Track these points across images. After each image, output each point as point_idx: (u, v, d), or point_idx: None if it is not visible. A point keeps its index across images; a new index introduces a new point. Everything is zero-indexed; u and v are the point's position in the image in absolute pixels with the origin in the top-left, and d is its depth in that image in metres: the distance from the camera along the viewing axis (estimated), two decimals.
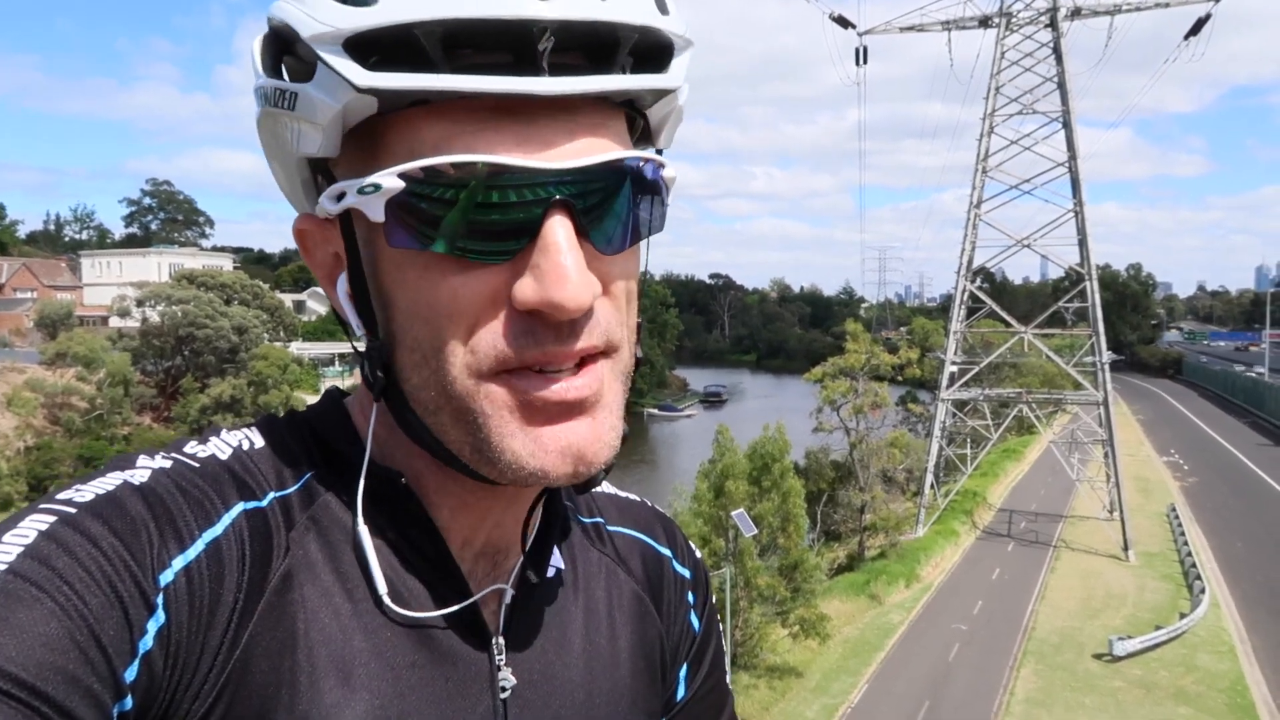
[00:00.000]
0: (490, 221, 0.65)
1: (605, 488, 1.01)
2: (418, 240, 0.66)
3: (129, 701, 0.61)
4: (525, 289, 0.65)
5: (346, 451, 0.77)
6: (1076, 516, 41.40)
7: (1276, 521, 39.34)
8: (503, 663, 0.79)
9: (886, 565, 33.67)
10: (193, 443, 0.76)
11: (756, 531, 24.31)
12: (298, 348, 54.47)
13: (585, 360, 0.70)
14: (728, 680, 1.08)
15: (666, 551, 1.01)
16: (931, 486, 39.70)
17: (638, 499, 1.04)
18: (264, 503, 0.73)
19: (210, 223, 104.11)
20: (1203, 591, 29.97)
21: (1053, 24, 39.69)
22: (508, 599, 0.82)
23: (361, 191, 0.66)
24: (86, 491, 0.66)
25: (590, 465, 0.69)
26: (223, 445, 0.76)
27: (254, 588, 0.69)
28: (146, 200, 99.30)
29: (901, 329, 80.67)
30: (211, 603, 0.66)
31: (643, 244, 0.77)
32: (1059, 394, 44.24)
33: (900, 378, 44.68)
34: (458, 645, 0.77)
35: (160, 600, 0.63)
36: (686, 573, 1.02)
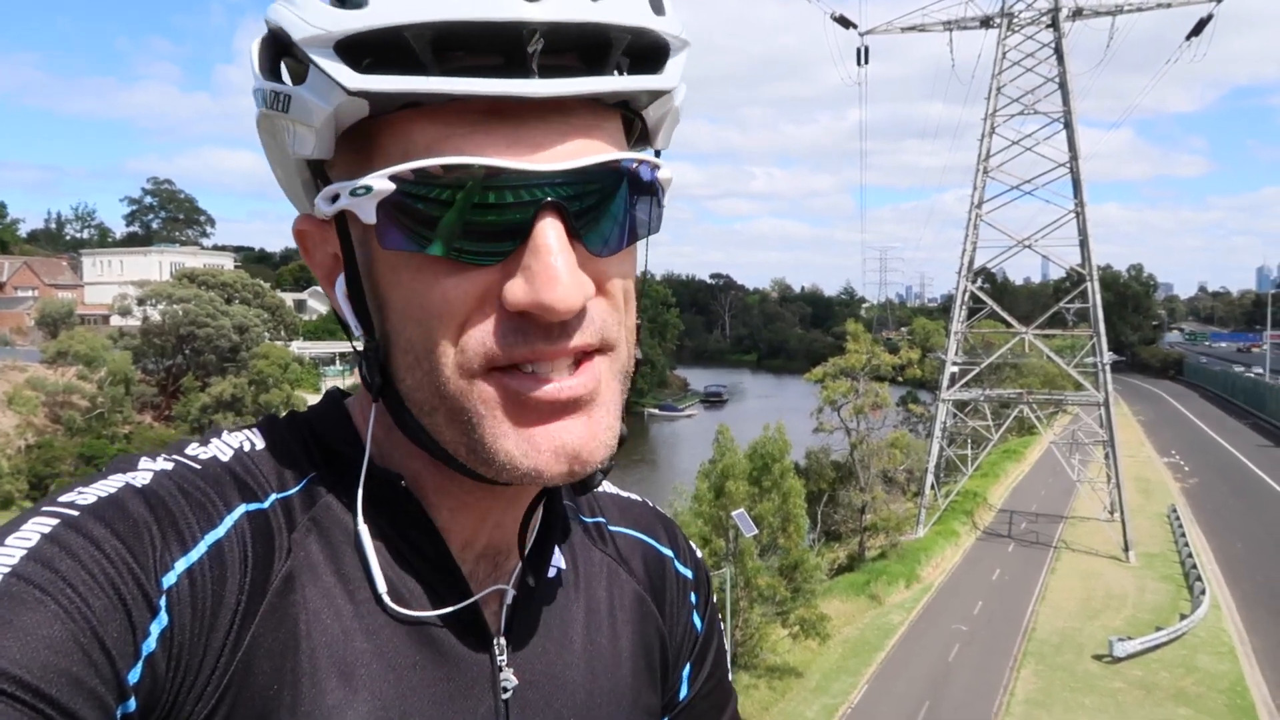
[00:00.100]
0: (481, 223, 0.65)
1: (606, 488, 1.01)
2: (409, 241, 0.66)
3: (132, 703, 0.61)
4: (516, 290, 0.65)
5: (346, 453, 0.77)
6: (1077, 517, 41.40)
7: (1277, 522, 39.34)
8: (504, 663, 0.79)
9: (887, 565, 33.67)
10: (194, 444, 0.76)
11: (757, 531, 24.31)
12: (298, 347, 54.52)
13: (582, 359, 0.70)
14: (730, 680, 1.08)
15: (668, 552, 1.01)
16: (932, 487, 39.70)
17: (639, 499, 1.04)
18: (266, 504, 0.73)
19: (211, 222, 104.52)
20: (1203, 592, 29.97)
21: (1054, 24, 39.69)
22: (509, 599, 0.82)
23: (354, 193, 0.67)
24: (89, 494, 0.66)
25: (585, 465, 0.69)
26: (224, 447, 0.76)
27: (256, 589, 0.69)
28: (147, 199, 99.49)
29: (902, 329, 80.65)
30: (214, 604, 0.66)
31: (641, 244, 0.76)
32: (1060, 395, 44.23)
33: (901, 378, 44.67)
34: (459, 646, 0.77)
35: (163, 602, 0.63)
36: (689, 573, 1.02)
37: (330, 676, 0.70)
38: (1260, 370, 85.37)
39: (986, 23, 41.54)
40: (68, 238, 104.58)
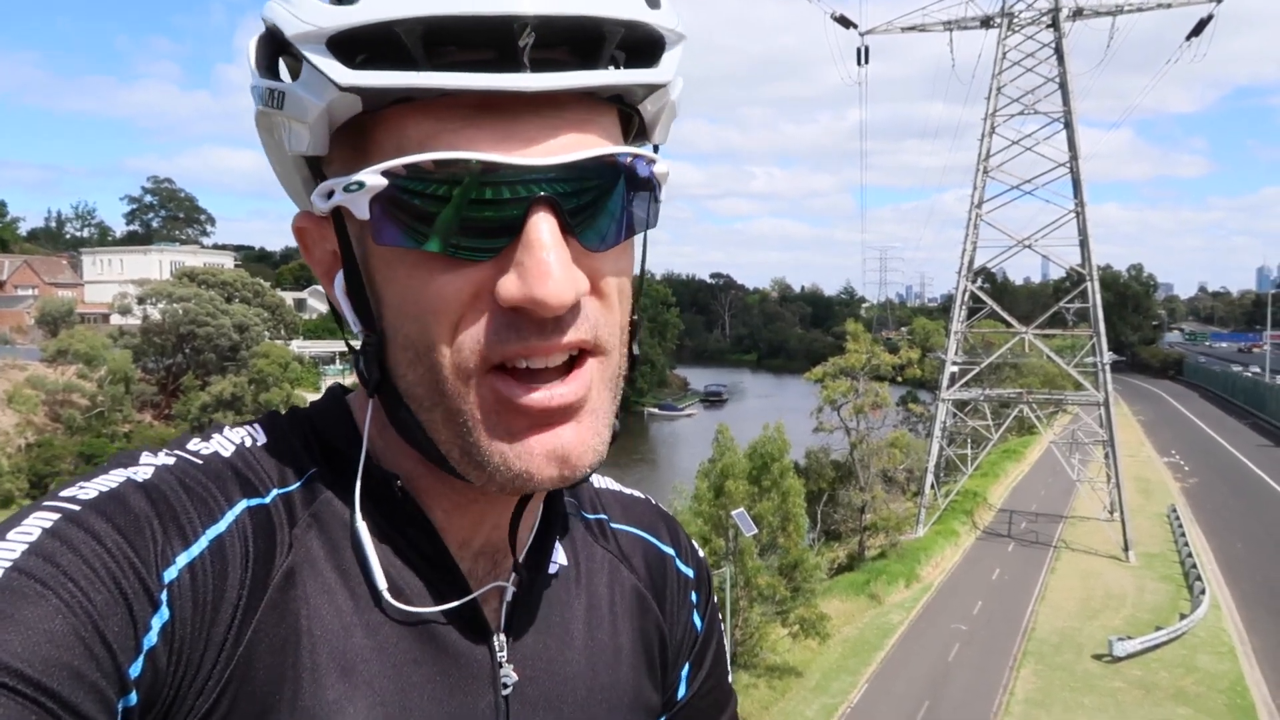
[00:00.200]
0: (474, 219, 0.65)
1: (609, 484, 1.01)
2: (403, 237, 0.66)
3: (133, 697, 0.61)
4: (509, 286, 0.65)
5: (346, 450, 0.77)
6: (1077, 517, 41.40)
7: (1277, 522, 39.34)
8: (504, 659, 0.79)
9: (886, 565, 33.68)
10: (195, 440, 0.76)
11: (756, 531, 24.32)
12: (298, 346, 54.51)
13: (574, 364, 0.70)
14: (730, 681, 1.08)
15: (670, 550, 1.01)
16: (932, 486, 39.71)
17: (641, 496, 1.04)
18: (267, 500, 0.73)
19: (211, 220, 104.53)
20: (1203, 592, 29.97)
21: (1054, 24, 39.68)
22: (509, 596, 0.82)
23: (347, 189, 0.67)
24: (90, 489, 0.66)
25: (575, 469, 0.70)
26: (225, 442, 0.76)
27: (258, 584, 0.69)
28: (148, 198, 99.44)
29: (902, 329, 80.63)
30: (215, 599, 0.67)
31: (639, 242, 0.76)
32: (1060, 394, 44.24)
33: (901, 378, 44.66)
34: (459, 642, 0.77)
35: (164, 596, 0.63)
36: (690, 572, 1.02)
37: (331, 672, 0.70)
38: (1258, 369, 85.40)
39: (986, 23, 41.53)
40: (68, 236, 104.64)
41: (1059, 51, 39.49)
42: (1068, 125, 39.13)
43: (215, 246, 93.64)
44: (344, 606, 0.73)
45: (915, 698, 23.62)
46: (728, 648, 1.17)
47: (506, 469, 0.69)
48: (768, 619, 25.18)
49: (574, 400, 0.69)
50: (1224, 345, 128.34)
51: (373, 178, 0.65)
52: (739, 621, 24.44)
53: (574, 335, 0.68)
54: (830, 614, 26.71)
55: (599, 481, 1.00)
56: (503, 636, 0.80)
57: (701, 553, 1.06)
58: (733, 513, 23.68)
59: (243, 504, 0.71)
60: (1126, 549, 35.99)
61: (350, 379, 0.83)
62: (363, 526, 0.75)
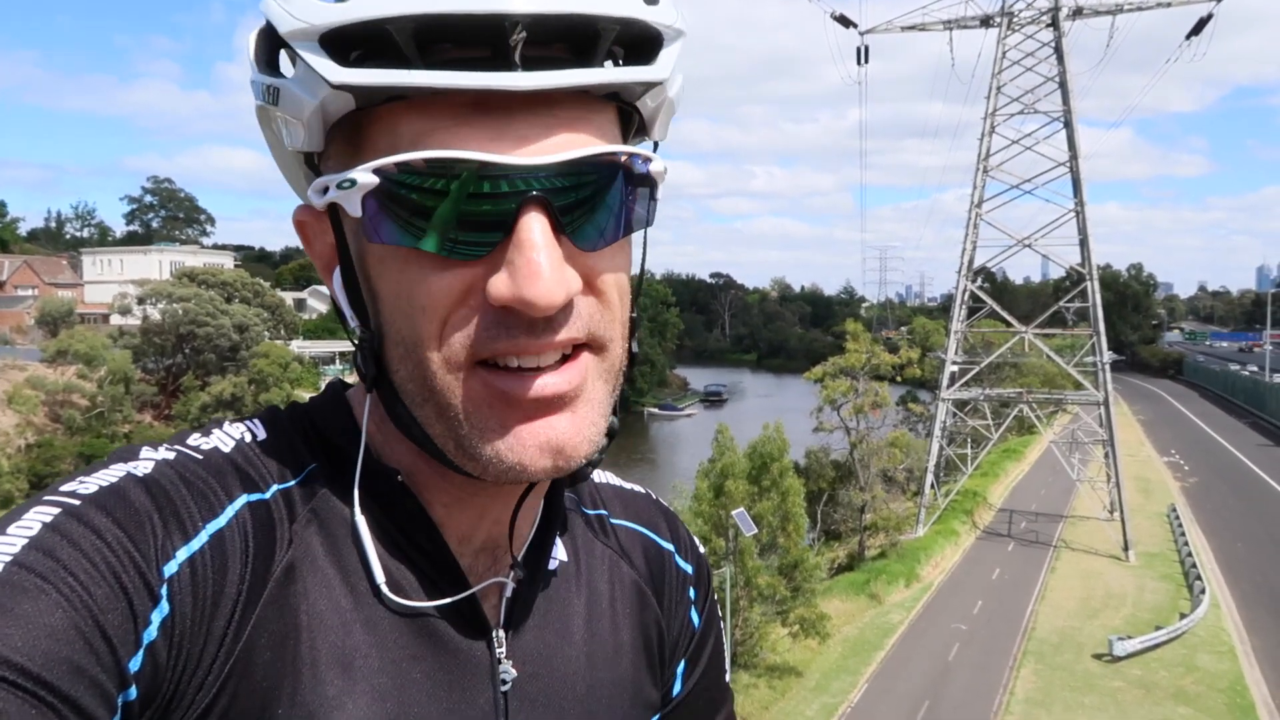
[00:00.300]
0: (466, 217, 0.65)
1: (610, 479, 1.02)
2: (394, 235, 0.66)
3: (133, 691, 0.61)
4: (499, 285, 0.65)
5: (345, 445, 0.77)
6: (1077, 516, 41.40)
7: (1277, 522, 39.34)
8: (503, 655, 0.80)
9: (886, 565, 33.68)
10: (195, 435, 0.76)
11: (756, 531, 24.32)
12: (298, 346, 54.48)
13: (569, 355, 0.69)
14: (727, 679, 1.08)
15: (669, 546, 1.01)
16: (932, 486, 39.71)
17: (642, 491, 1.04)
18: (267, 495, 0.73)
19: (211, 220, 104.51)
20: (1203, 592, 29.98)
21: (1054, 24, 39.69)
22: (508, 592, 0.82)
23: (340, 186, 0.67)
24: (90, 483, 0.66)
25: (569, 460, 0.69)
26: (225, 437, 0.76)
27: (257, 579, 0.69)
28: (147, 198, 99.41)
29: (902, 329, 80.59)
30: (215, 593, 0.66)
31: (639, 240, 0.75)
32: (1059, 394, 44.26)
33: (900, 377, 44.64)
34: (458, 638, 0.77)
35: (164, 591, 0.63)
36: (689, 568, 1.02)
37: (330, 667, 0.70)
38: (1255, 368, 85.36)
39: (986, 22, 41.54)
40: (67, 236, 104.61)
41: (1059, 51, 39.49)
42: (1067, 124, 39.13)
43: (215, 246, 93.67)
44: (344, 602, 0.72)
45: (915, 697, 23.63)
46: (728, 647, 1.17)
47: (500, 461, 0.68)
48: (768, 619, 25.19)
49: (567, 390, 0.69)
50: (1224, 344, 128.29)
51: (364, 175, 0.65)
52: (739, 621, 24.44)
53: (566, 334, 0.68)
54: (830, 614, 26.71)
55: (599, 476, 1.00)
56: (502, 632, 0.80)
57: (701, 548, 1.06)
58: (733, 513, 23.68)
59: (243, 499, 0.71)
60: (1126, 548, 36.00)
61: (351, 378, 0.83)
62: (362, 522, 0.75)
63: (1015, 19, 40.95)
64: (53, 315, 53.86)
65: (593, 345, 0.71)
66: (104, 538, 0.62)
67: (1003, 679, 24.97)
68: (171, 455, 0.72)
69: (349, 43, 0.64)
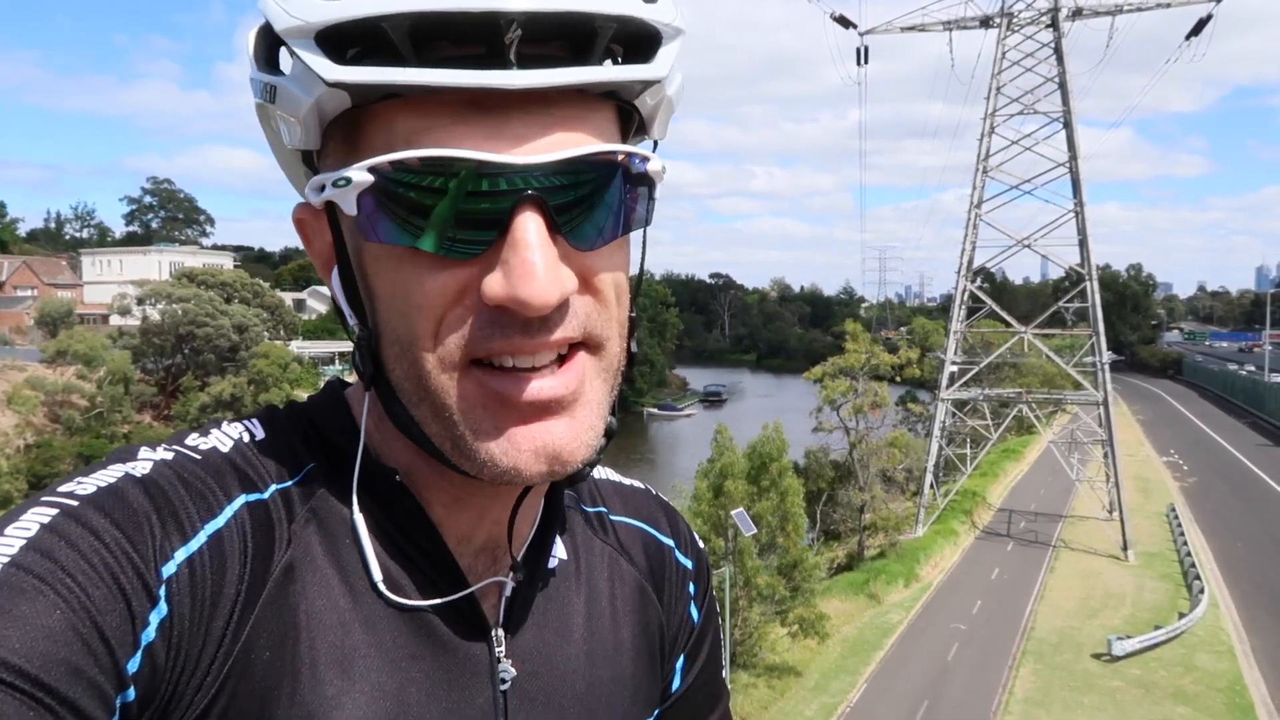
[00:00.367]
0: (461, 216, 0.64)
1: (609, 475, 1.02)
2: (389, 233, 0.66)
3: (131, 692, 0.61)
4: (493, 284, 0.64)
5: (344, 445, 0.77)
6: (1076, 516, 41.40)
7: (1276, 522, 39.35)
8: (503, 654, 0.79)
9: (886, 565, 33.68)
10: (194, 435, 0.76)
11: (755, 531, 24.31)
12: (298, 346, 54.46)
13: (566, 356, 0.69)
14: (724, 676, 1.08)
15: (669, 542, 1.01)
16: (931, 486, 39.71)
17: (642, 486, 1.04)
18: (266, 495, 0.73)
19: (211, 221, 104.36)
20: (1202, 591, 29.98)
21: (1054, 24, 39.70)
22: (508, 591, 0.82)
23: (336, 184, 0.66)
24: (88, 484, 0.66)
25: (566, 465, 0.69)
26: (224, 437, 0.76)
27: (256, 579, 0.69)
28: (147, 198, 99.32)
29: (901, 329, 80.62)
30: (214, 594, 0.66)
31: (637, 240, 0.75)
32: (1059, 394, 44.25)
33: (900, 378, 44.66)
34: (457, 637, 0.77)
35: (162, 592, 0.63)
36: (689, 563, 1.02)
37: (329, 667, 0.70)
38: (1253, 368, 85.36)
39: (986, 23, 41.54)
40: (67, 237, 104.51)
41: (1058, 51, 39.49)
42: (1067, 125, 39.14)
43: (215, 247, 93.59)
44: (343, 602, 0.72)
45: (915, 697, 23.62)
46: (727, 647, 1.17)
47: (494, 465, 0.68)
48: (767, 618, 25.19)
49: (564, 394, 0.68)
50: (1223, 345, 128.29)
51: (359, 174, 0.65)
52: (738, 621, 24.43)
53: (561, 333, 0.67)
54: (829, 614, 26.70)
55: (598, 472, 1.00)
56: (501, 632, 0.80)
57: (701, 543, 1.07)
58: (732, 512, 23.67)
59: (241, 499, 0.71)
60: (1126, 548, 36.00)
61: (351, 378, 0.83)
62: (361, 522, 0.74)
63: (1015, 20, 40.94)
64: (52, 316, 53.84)
65: (589, 344, 0.70)
66: (102, 539, 0.62)
67: (1002, 679, 24.96)
68: (170, 455, 0.71)
69: (345, 40, 0.64)
